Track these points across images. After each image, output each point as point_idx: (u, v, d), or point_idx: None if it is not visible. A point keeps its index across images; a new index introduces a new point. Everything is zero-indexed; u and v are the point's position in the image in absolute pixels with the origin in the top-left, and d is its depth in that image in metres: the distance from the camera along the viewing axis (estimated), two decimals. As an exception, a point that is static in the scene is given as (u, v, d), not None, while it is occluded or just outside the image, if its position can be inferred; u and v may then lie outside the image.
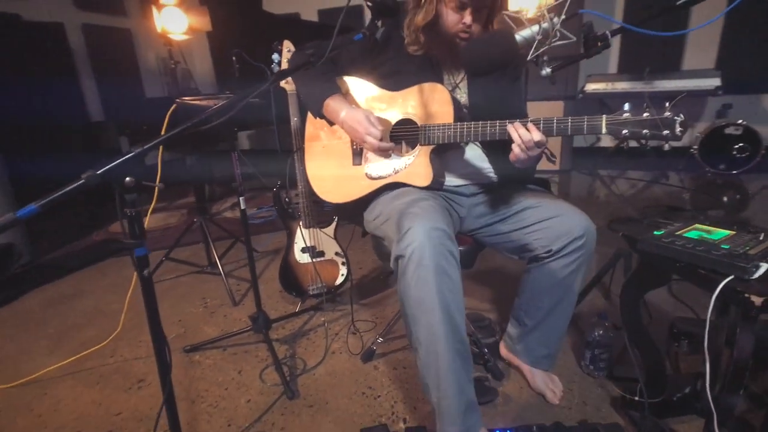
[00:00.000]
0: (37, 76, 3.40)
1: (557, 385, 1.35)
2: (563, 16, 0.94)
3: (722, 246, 0.87)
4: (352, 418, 1.29)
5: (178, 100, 1.65)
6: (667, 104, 0.95)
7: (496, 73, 1.21)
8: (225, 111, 0.81)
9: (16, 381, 1.52)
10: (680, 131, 0.93)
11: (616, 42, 4.32)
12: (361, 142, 1.15)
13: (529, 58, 0.95)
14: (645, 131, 0.94)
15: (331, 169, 1.32)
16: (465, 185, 1.30)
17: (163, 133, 0.81)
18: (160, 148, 1.19)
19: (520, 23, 0.95)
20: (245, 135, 5.95)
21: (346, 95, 1.24)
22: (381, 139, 1.12)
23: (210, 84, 5.30)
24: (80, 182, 0.69)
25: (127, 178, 0.75)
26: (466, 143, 1.26)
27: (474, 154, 1.30)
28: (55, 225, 2.72)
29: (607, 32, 1.00)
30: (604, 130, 0.98)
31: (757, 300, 0.75)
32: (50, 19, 3.71)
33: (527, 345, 1.36)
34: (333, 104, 1.17)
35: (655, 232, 0.98)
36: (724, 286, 0.79)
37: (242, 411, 1.34)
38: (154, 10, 1.72)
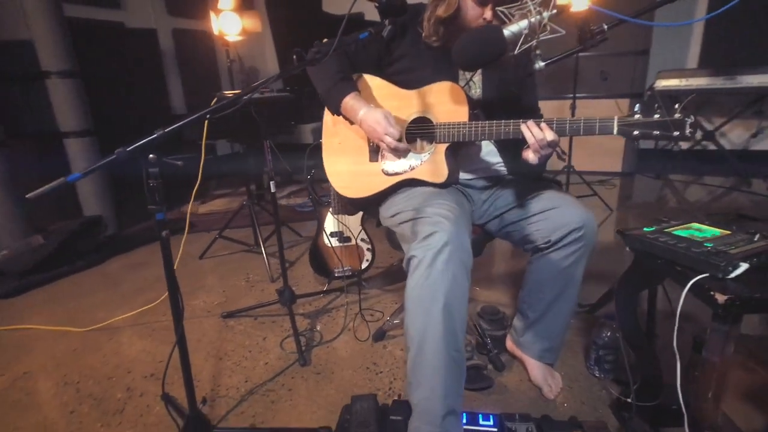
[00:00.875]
0: (133, 75, 3.92)
1: (556, 381, 1.35)
2: (553, 11, 0.96)
3: (705, 244, 0.84)
4: (352, 387, 1.40)
5: (218, 94, 1.87)
6: (677, 106, 0.95)
7: (509, 68, 1.25)
8: (229, 105, 0.95)
9: (92, 326, 1.84)
10: (690, 132, 0.93)
11: (697, 34, 3.93)
12: (379, 141, 1.17)
13: (516, 52, 0.98)
14: (655, 132, 0.96)
15: (348, 165, 1.34)
16: (477, 179, 1.34)
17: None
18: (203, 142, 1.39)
19: (512, 18, 0.98)
20: (309, 128, 6.28)
21: (363, 93, 1.26)
22: (399, 140, 1.15)
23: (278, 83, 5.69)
24: (113, 157, 0.87)
25: (150, 155, 0.91)
26: (480, 141, 1.29)
27: (487, 149, 1.34)
28: (137, 204, 3.16)
29: (604, 25, 1.00)
30: (615, 131, 0.99)
31: (720, 298, 0.73)
32: (146, 26, 4.24)
33: (530, 337, 1.37)
34: (351, 102, 1.19)
35: (645, 229, 0.96)
36: (696, 283, 0.77)
37: (259, 371, 1.51)
38: (212, 15, 1.95)
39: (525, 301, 1.36)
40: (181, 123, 0.94)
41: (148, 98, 4.04)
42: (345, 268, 1.99)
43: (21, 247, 2.32)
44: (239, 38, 1.90)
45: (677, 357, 0.81)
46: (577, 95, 3.05)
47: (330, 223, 1.95)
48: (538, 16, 0.95)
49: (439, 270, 0.98)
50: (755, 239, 0.86)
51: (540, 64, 1.03)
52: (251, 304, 1.91)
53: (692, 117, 0.94)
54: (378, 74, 1.29)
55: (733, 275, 0.78)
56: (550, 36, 0.96)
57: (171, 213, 3.35)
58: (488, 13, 1.12)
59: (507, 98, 1.27)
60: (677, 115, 0.94)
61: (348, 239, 1.96)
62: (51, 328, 1.84)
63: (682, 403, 0.82)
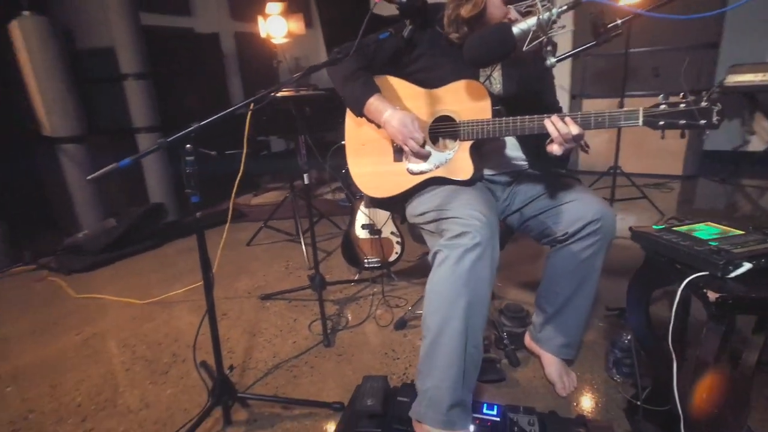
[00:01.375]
0: (198, 76, 4.27)
1: (571, 379, 1.34)
2: (564, 7, 0.97)
3: (710, 243, 0.82)
4: (368, 370, 1.48)
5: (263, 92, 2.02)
6: (704, 93, 0.93)
7: (529, 63, 1.25)
8: (257, 101, 1.06)
9: (149, 299, 2.08)
10: (717, 120, 0.91)
11: (779, 24, 3.55)
12: (403, 144, 1.19)
13: (524, 49, 1.00)
14: (682, 121, 0.94)
15: (372, 166, 1.34)
16: (500, 174, 1.35)
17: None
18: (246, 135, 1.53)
19: (523, 15, 1.01)
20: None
21: (385, 94, 1.26)
22: (423, 144, 1.18)
23: (327, 80, 5.89)
24: (155, 147, 1.01)
25: (187, 146, 1.05)
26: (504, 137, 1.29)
27: (511, 144, 1.35)
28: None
29: (618, 20, 0.99)
30: (641, 122, 0.98)
31: (712, 296, 0.71)
32: (212, 30, 4.59)
33: (548, 333, 1.38)
34: (376, 104, 1.21)
35: (654, 226, 0.94)
36: (692, 282, 0.76)
37: (287, 349, 1.64)
38: (260, 19, 2.12)
39: (543, 295, 1.36)
40: (210, 119, 1.07)
41: (210, 97, 4.38)
42: (374, 259, 2.07)
43: (98, 228, 2.65)
44: (285, 40, 2.04)
45: (673, 357, 0.80)
46: (633, 93, 2.90)
47: (362, 216, 2.04)
48: (547, 13, 0.96)
49: (466, 268, 1.00)
50: (765, 242, 0.82)
51: (551, 60, 1.03)
52: (286, 288, 2.05)
53: (719, 105, 0.91)
54: (397, 74, 1.30)
55: (734, 274, 0.75)
56: (558, 32, 0.97)
57: (225, 203, 3.64)
58: (513, 13, 1.13)
59: (528, 93, 1.28)
60: (704, 104, 0.91)
61: (378, 232, 2.04)
62: (117, 299, 2.10)
63: (678, 404, 0.81)
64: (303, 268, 2.37)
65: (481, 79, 1.26)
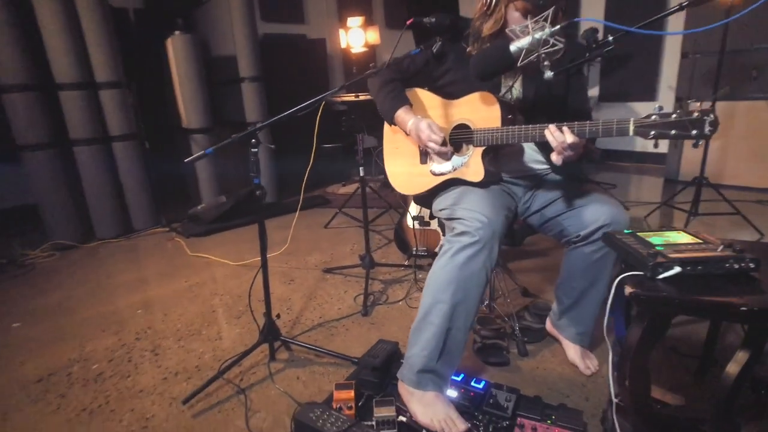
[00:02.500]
0: (304, 77, 4.85)
1: (593, 361, 1.45)
2: (557, 26, 1.07)
3: (656, 247, 0.87)
4: (390, 338, 1.69)
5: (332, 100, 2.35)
6: (699, 104, 0.97)
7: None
8: (307, 108, 1.36)
9: (239, 262, 2.58)
10: (710, 130, 0.93)
11: None
12: (425, 146, 1.35)
13: (518, 65, 1.12)
14: (673, 131, 0.97)
15: (404, 167, 1.52)
16: (520, 177, 1.47)
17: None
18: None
19: (520, 35, 1.13)
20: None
21: (414, 104, 1.43)
22: (442, 144, 1.33)
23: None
24: (228, 141, 1.37)
25: (252, 140, 1.39)
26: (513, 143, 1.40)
27: (530, 150, 1.46)
28: (294, 180, 4.01)
29: (609, 37, 1.06)
30: (631, 132, 1.03)
31: (627, 290, 0.79)
32: (319, 36, 5.15)
33: (565, 321, 1.50)
34: (402, 115, 1.38)
35: (625, 230, 1.01)
36: (626, 281, 0.85)
37: (331, 313, 1.95)
38: (341, 32, 2.45)
39: (560, 288, 1.48)
40: (274, 119, 1.40)
41: (314, 96, 4.93)
42: (422, 248, 2.27)
43: (212, 203, 3.29)
44: (363, 50, 2.34)
45: (609, 349, 0.88)
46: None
47: (413, 208, 2.25)
48: (539, 33, 1.07)
49: (460, 262, 1.16)
50: (718, 250, 0.84)
51: (549, 73, 1.14)
52: (345, 265, 2.37)
53: (712, 115, 0.92)
54: (429, 87, 1.47)
55: (662, 276, 0.81)
56: (551, 49, 1.08)
57: (317, 191, 4.14)
58: (530, 20, 1.24)
59: (548, 102, 1.37)
60: (696, 114, 0.93)
61: (427, 223, 2.24)
62: (217, 259, 2.65)
63: (612, 394, 0.89)
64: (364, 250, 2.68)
65: (503, 90, 1.39)
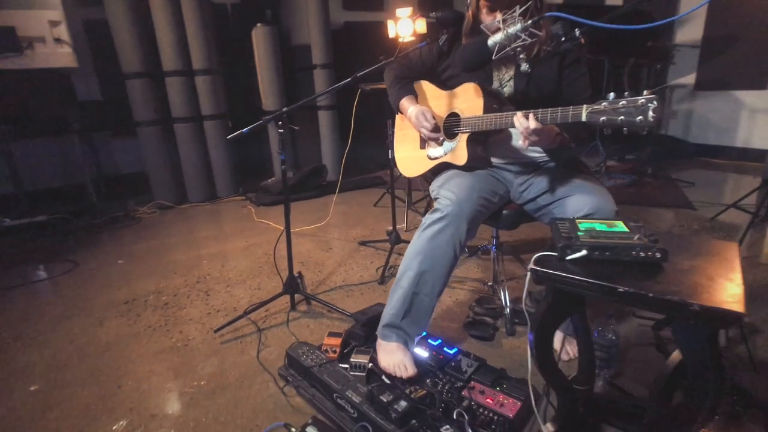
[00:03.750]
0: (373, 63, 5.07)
1: (573, 348, 1.49)
2: (528, 22, 1.14)
3: (578, 233, 0.94)
4: (395, 306, 1.90)
5: (362, 85, 2.52)
6: (646, 92, 0.97)
7: (544, 64, 1.39)
8: (323, 95, 1.58)
9: (295, 229, 2.93)
10: (653, 117, 0.94)
11: None
12: (419, 131, 1.51)
13: (494, 58, 1.20)
14: (620, 118, 0.99)
15: (407, 152, 1.68)
16: (510, 163, 1.54)
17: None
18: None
19: (496, 29, 1.20)
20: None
21: (419, 95, 1.58)
22: (432, 130, 1.48)
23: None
24: (260, 123, 1.65)
25: (279, 122, 1.66)
26: (493, 130, 1.40)
27: (516, 136, 1.51)
28: (356, 161, 4.31)
29: (576, 31, 1.09)
30: (584, 117, 1.07)
31: (529, 266, 0.88)
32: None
33: None
34: (405, 103, 1.55)
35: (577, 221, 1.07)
36: (541, 259, 0.94)
37: (353, 278, 2.19)
38: (390, 22, 2.59)
39: None
40: (299, 104, 1.65)
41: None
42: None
43: (279, 177, 3.72)
44: (411, 39, 2.46)
45: (529, 334, 0.97)
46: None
47: (442, 191, 2.37)
48: (512, 28, 1.15)
49: (428, 235, 1.32)
50: (634, 238, 0.87)
51: (524, 66, 1.21)
52: (377, 239, 2.59)
53: (655, 102, 0.93)
54: (432, 80, 1.59)
55: (570, 257, 0.89)
56: (524, 43, 1.15)
57: (380, 172, 4.39)
58: (499, 17, 1.26)
59: (539, 93, 1.41)
60: (641, 101, 0.95)
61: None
62: (275, 226, 3.04)
63: (529, 366, 0.99)
64: (403, 227, 2.87)
65: (495, 83, 1.46)
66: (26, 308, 2.05)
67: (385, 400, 1.15)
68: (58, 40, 2.95)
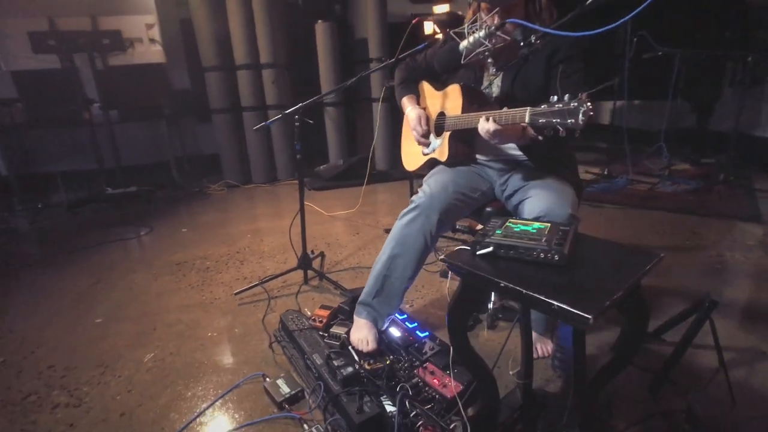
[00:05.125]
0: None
1: (546, 347, 1.55)
2: (492, 29, 1.19)
3: (497, 231, 1.00)
4: (395, 290, 2.04)
5: (387, 85, 2.61)
6: (583, 95, 0.98)
7: (529, 67, 1.42)
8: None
9: (330, 213, 3.19)
10: (582, 120, 0.96)
11: None
12: (413, 132, 1.62)
13: (462, 62, 1.27)
14: (555, 120, 1.03)
15: (409, 147, 1.78)
16: (493, 161, 1.59)
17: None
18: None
19: (463, 36, 1.26)
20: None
21: (421, 95, 1.68)
22: (423, 136, 1.59)
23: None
24: (279, 117, 1.88)
25: (296, 116, 1.87)
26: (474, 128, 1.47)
27: None
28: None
29: (532, 37, 1.12)
30: (527, 120, 1.11)
31: (441, 255, 0.97)
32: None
33: None
34: (405, 102, 1.66)
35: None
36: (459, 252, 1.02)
37: (368, 262, 2.36)
38: (426, 23, 2.68)
39: None
40: (316, 98, 1.84)
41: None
42: (464, 225, 2.44)
43: (331, 164, 3.99)
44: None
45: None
46: None
47: (462, 186, 2.43)
48: (473, 36, 1.21)
49: (402, 224, 1.45)
50: (540, 240, 0.91)
51: (493, 69, 1.26)
52: (400, 229, 2.73)
53: (587, 105, 0.95)
54: (437, 79, 1.65)
55: (480, 252, 0.96)
56: (484, 49, 1.21)
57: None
58: (497, 18, 1.30)
59: (524, 94, 1.43)
60: (574, 104, 0.97)
61: (473, 202, 2.39)
62: (317, 208, 3.32)
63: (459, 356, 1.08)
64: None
65: (485, 83, 1.50)
66: (108, 260, 2.56)
67: (336, 364, 1.32)
68: (152, 40, 3.50)
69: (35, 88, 3.56)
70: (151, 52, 3.53)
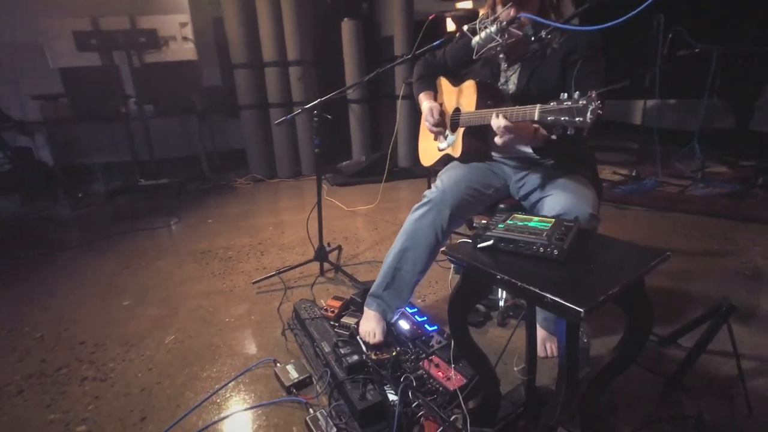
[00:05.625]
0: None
1: (552, 347, 1.53)
2: (503, 24, 1.19)
3: (499, 225, 1.01)
4: (408, 285, 2.06)
5: (407, 81, 2.61)
6: (593, 93, 0.97)
7: (545, 64, 1.41)
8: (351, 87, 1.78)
9: (351, 208, 3.23)
10: (590, 118, 0.95)
11: None
12: (425, 125, 1.62)
13: (474, 57, 1.27)
14: (564, 118, 1.02)
15: (426, 143, 1.78)
16: (508, 158, 1.58)
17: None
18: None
19: (476, 32, 1.27)
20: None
21: (438, 91, 1.67)
22: (436, 125, 1.58)
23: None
24: (299, 112, 1.93)
25: (315, 111, 1.91)
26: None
27: None
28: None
29: (543, 32, 1.12)
30: (536, 116, 1.10)
31: (445, 249, 0.98)
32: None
33: None
34: (422, 97, 1.65)
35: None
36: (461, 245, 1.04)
37: (383, 255, 2.38)
38: (448, 20, 2.68)
39: None
40: (332, 94, 1.88)
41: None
42: (482, 222, 2.43)
43: (353, 161, 4.04)
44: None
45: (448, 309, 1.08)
46: None
47: (481, 183, 2.42)
48: (485, 32, 1.21)
49: (414, 218, 1.47)
50: (541, 235, 0.91)
51: (504, 65, 1.26)
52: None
53: (595, 103, 0.94)
54: (450, 76, 1.65)
55: (480, 245, 0.97)
56: (495, 45, 1.21)
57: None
58: (512, 11, 1.26)
59: (540, 91, 1.41)
60: (582, 102, 0.96)
61: (491, 200, 2.38)
62: (337, 203, 3.37)
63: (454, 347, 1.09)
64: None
65: (501, 79, 1.50)
66: (138, 247, 2.70)
67: (343, 352, 1.35)
68: (185, 38, 3.64)
69: (78, 85, 3.78)
70: (184, 50, 3.68)
